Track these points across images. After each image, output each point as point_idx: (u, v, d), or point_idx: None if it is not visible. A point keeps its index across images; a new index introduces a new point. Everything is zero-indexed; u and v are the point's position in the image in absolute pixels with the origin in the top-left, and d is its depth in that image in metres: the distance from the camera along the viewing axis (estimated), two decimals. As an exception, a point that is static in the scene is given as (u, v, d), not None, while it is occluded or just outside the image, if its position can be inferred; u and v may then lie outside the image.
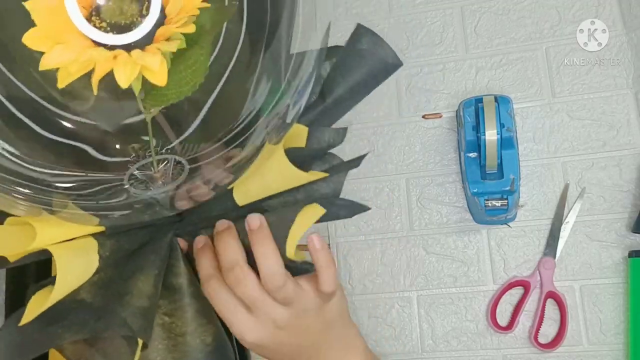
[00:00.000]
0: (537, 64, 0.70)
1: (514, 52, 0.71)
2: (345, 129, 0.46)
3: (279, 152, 0.38)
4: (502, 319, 0.67)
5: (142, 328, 0.37)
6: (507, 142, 0.62)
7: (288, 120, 0.36)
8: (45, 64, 0.22)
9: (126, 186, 0.30)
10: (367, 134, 0.73)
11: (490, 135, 0.60)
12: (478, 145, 0.63)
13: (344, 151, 0.73)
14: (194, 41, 0.24)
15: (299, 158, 0.40)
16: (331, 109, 0.46)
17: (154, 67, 0.22)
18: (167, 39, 0.23)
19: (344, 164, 0.46)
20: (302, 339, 0.41)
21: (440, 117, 0.71)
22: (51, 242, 0.35)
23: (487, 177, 0.63)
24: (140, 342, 0.37)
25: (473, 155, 0.64)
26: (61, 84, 0.23)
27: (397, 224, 0.71)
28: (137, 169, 0.29)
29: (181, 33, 0.23)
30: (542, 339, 0.65)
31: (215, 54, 0.27)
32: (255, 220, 0.39)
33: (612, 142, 0.67)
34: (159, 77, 0.23)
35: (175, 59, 0.24)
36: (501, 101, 0.63)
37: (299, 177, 0.39)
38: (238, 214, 0.40)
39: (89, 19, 0.22)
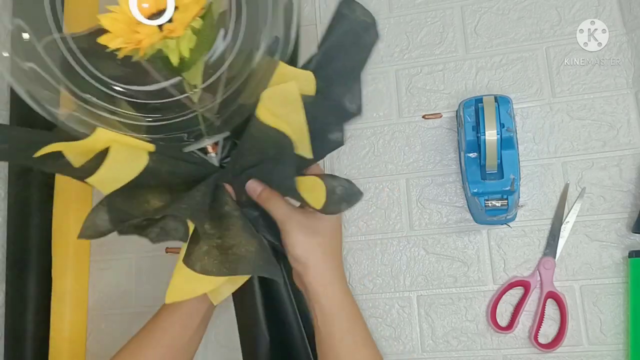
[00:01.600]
0: (537, 64, 0.70)
1: (514, 52, 0.71)
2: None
3: (281, 66, 0.45)
4: (502, 319, 0.67)
5: (192, 215, 0.47)
6: (507, 142, 0.62)
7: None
8: (112, 46, 0.42)
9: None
10: (367, 134, 0.73)
11: (490, 135, 0.60)
12: (478, 145, 0.63)
13: (344, 151, 0.73)
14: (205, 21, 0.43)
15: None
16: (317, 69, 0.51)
17: (176, 33, 0.42)
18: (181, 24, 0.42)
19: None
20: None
21: (440, 117, 0.71)
22: (110, 140, 0.45)
23: (487, 177, 0.63)
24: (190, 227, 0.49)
25: (473, 155, 0.64)
26: (122, 53, 0.43)
27: (397, 224, 0.70)
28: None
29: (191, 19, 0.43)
30: (542, 339, 0.65)
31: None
32: (255, 186, 0.48)
33: (612, 142, 0.67)
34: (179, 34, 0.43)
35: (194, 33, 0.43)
36: (501, 101, 0.63)
37: (299, 74, 0.46)
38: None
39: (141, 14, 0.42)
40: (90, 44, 0.44)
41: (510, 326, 0.66)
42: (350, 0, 0.51)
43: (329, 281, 0.47)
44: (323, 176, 0.48)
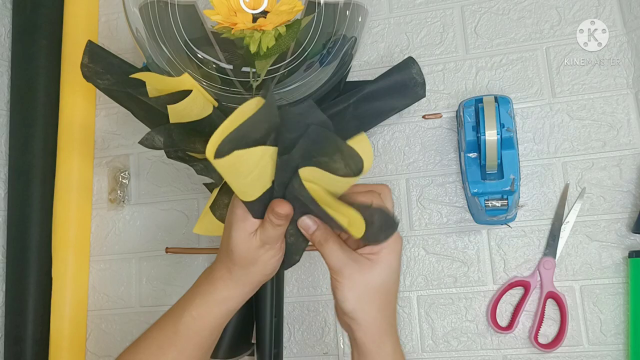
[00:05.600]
0: (537, 64, 0.70)
1: (514, 52, 0.71)
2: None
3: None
4: (502, 319, 0.67)
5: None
6: (507, 142, 0.62)
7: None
8: (212, 19, 0.55)
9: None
10: (367, 134, 0.72)
11: (490, 135, 0.60)
12: (478, 145, 0.63)
13: (344, 151, 0.73)
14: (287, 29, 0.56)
15: None
16: (361, 101, 0.63)
17: (267, 27, 0.55)
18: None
19: None
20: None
21: (440, 117, 0.71)
22: (193, 85, 0.53)
23: (487, 177, 0.63)
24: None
25: (473, 155, 0.64)
26: (217, 27, 0.56)
27: (397, 224, 0.70)
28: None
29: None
30: (542, 339, 0.65)
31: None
32: (310, 223, 0.44)
33: (612, 142, 0.67)
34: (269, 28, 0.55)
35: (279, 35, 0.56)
36: (501, 101, 0.63)
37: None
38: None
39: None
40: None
41: (510, 326, 0.66)
42: (414, 59, 0.66)
43: (382, 340, 0.44)
44: (360, 207, 0.44)
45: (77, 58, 0.60)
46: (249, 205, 0.43)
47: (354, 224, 0.40)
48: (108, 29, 0.82)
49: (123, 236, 0.77)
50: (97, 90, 0.75)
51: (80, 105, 0.77)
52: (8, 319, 0.74)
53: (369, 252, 0.43)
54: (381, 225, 0.41)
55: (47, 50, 0.78)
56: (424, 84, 0.66)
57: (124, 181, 0.78)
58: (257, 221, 0.44)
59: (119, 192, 0.78)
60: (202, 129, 0.56)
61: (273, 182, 0.42)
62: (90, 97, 0.79)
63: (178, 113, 0.54)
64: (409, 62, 0.66)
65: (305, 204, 0.42)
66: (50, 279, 0.74)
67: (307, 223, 0.44)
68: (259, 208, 0.44)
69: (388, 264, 0.43)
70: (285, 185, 0.42)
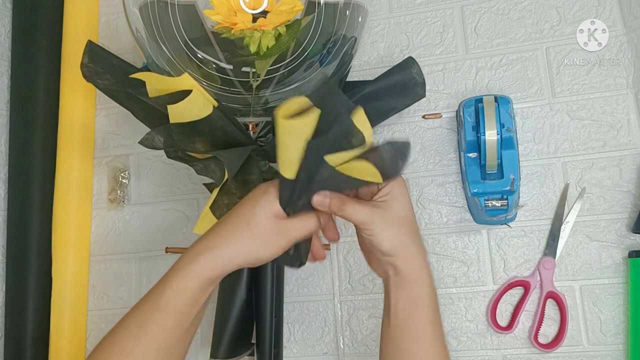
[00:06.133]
0: (537, 64, 0.70)
1: (514, 52, 0.71)
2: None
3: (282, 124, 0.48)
4: (502, 319, 0.67)
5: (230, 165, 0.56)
6: (507, 142, 0.62)
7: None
8: (212, 19, 0.55)
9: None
10: (367, 134, 0.72)
11: (490, 135, 0.60)
12: (478, 145, 0.63)
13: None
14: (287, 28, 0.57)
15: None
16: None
17: (266, 27, 0.55)
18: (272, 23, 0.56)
19: None
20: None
21: (440, 117, 0.71)
22: (193, 85, 0.54)
23: (487, 177, 0.63)
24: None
25: (473, 155, 0.64)
26: (217, 27, 0.56)
27: (397, 224, 0.70)
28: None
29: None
30: (542, 339, 0.65)
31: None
32: (322, 198, 0.47)
33: (612, 142, 0.67)
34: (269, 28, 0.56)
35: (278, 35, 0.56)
36: (501, 101, 0.63)
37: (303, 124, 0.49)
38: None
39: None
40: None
41: (510, 326, 0.66)
42: (414, 59, 0.66)
43: (422, 267, 0.47)
44: (364, 155, 0.47)
45: (77, 58, 0.60)
46: (283, 185, 0.46)
47: (372, 173, 0.45)
48: (108, 29, 0.82)
49: (123, 236, 0.77)
50: (97, 90, 0.75)
51: (80, 105, 0.77)
52: (8, 319, 0.74)
53: (382, 196, 0.47)
54: (393, 155, 0.45)
55: (47, 50, 0.78)
56: (424, 84, 0.66)
57: (124, 181, 0.78)
58: (280, 209, 0.47)
59: (119, 192, 0.78)
60: (202, 129, 0.56)
61: (297, 174, 0.46)
62: (90, 97, 0.80)
63: (178, 113, 0.54)
64: (409, 62, 0.66)
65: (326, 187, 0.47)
66: (50, 279, 0.74)
67: (320, 199, 0.47)
68: (286, 195, 0.47)
69: (402, 196, 0.48)
70: (311, 174, 0.45)
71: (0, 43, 0.79)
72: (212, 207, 0.58)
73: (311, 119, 0.44)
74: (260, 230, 0.46)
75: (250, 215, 0.47)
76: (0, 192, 0.77)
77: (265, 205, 0.47)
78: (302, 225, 0.47)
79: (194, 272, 0.46)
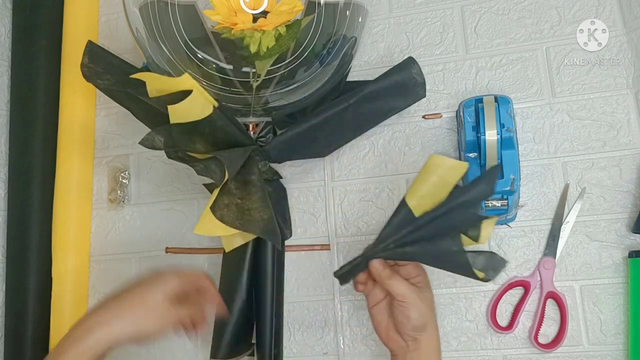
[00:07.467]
0: (537, 64, 0.70)
1: (514, 52, 0.71)
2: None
3: (433, 158, 0.52)
4: (502, 319, 0.67)
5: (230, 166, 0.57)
6: (507, 142, 0.62)
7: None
8: (213, 19, 0.56)
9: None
10: (367, 134, 0.72)
11: (490, 135, 0.60)
12: (478, 145, 0.63)
13: (344, 151, 0.73)
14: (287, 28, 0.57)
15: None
16: (361, 102, 0.63)
17: (266, 27, 0.56)
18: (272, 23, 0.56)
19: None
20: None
21: (440, 117, 0.71)
22: (193, 85, 0.54)
23: (487, 177, 0.63)
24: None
25: (473, 155, 0.64)
26: (217, 27, 0.57)
27: (397, 224, 0.70)
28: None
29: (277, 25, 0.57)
30: (542, 339, 0.65)
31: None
32: (379, 266, 0.54)
33: (612, 142, 0.67)
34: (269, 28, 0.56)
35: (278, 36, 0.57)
36: (501, 101, 0.63)
37: (455, 166, 0.53)
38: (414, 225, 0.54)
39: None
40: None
41: (510, 326, 0.66)
42: (414, 59, 0.66)
43: (437, 347, 0.55)
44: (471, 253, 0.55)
45: (77, 58, 0.60)
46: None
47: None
48: (108, 29, 0.82)
49: (123, 236, 0.77)
50: (97, 90, 0.75)
51: (80, 105, 0.77)
52: (8, 319, 0.74)
53: (415, 280, 0.56)
54: (490, 264, 0.53)
55: (47, 50, 0.78)
56: (424, 84, 0.66)
57: (124, 181, 0.78)
58: (173, 291, 0.53)
59: (119, 192, 0.78)
60: (202, 129, 0.56)
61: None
62: (90, 97, 0.80)
63: (178, 113, 0.54)
64: (409, 62, 0.66)
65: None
66: (50, 279, 0.74)
67: (377, 265, 0.54)
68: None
69: (429, 283, 0.57)
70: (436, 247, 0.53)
71: (0, 43, 0.79)
72: (212, 207, 0.58)
73: (461, 168, 0.52)
74: (155, 305, 0.51)
75: (148, 292, 0.52)
76: (0, 192, 0.77)
77: (162, 284, 0.52)
78: (184, 314, 0.54)
79: (85, 348, 0.49)
